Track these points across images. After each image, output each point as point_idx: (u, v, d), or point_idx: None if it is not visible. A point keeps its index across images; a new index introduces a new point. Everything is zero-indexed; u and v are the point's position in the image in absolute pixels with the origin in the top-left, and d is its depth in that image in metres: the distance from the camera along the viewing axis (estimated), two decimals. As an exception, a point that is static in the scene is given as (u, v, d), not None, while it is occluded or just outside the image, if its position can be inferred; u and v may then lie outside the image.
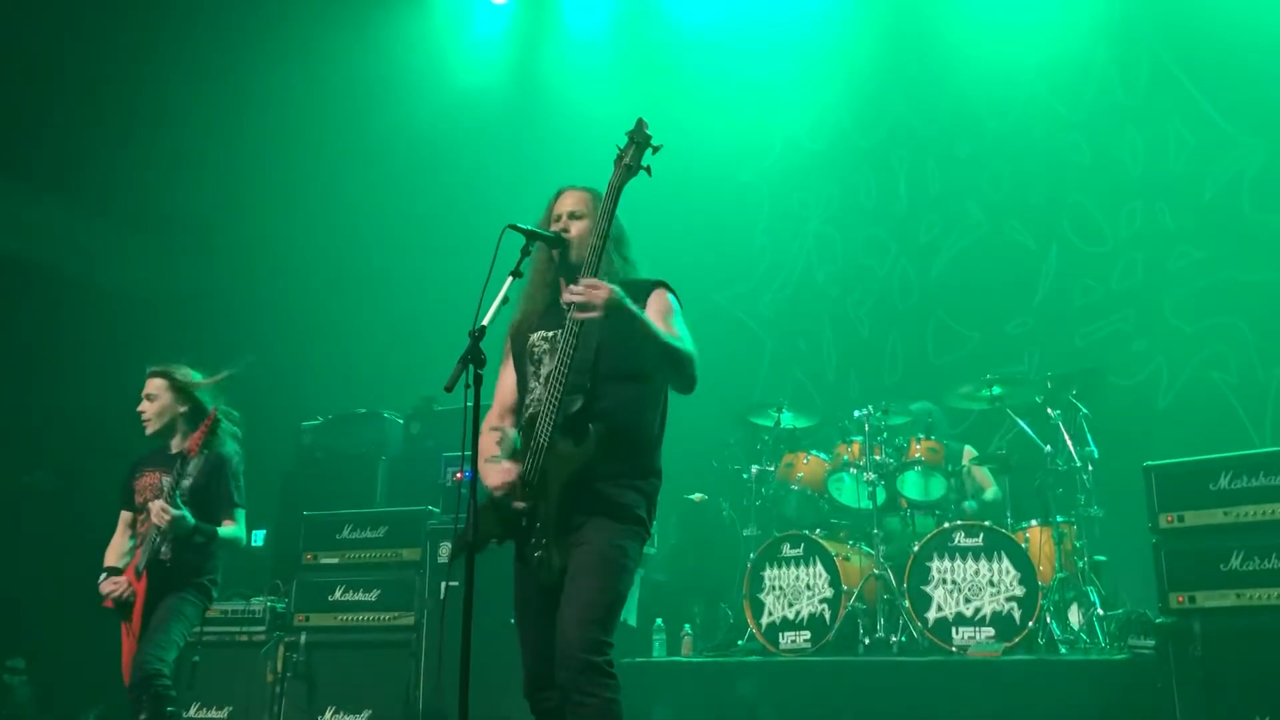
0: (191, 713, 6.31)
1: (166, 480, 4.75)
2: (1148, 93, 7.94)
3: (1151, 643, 5.17)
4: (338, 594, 6.44)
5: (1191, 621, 4.91)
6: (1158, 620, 5.11)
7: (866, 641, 6.09)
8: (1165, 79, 7.87)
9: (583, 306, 3.32)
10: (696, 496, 7.54)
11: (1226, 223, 7.51)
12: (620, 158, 3.53)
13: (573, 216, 3.65)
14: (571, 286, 3.39)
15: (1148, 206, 7.82)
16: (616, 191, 3.51)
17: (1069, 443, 6.36)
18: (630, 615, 6.47)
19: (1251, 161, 7.53)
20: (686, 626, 6.74)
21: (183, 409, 4.98)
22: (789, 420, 7.23)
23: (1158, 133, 7.85)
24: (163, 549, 4.73)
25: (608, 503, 3.42)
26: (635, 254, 3.69)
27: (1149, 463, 5.33)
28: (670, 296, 3.63)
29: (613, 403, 3.46)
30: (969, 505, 6.60)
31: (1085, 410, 6.53)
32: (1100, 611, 5.96)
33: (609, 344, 3.48)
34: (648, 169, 3.53)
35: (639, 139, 3.53)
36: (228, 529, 4.88)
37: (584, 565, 3.34)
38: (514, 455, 3.52)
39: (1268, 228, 7.36)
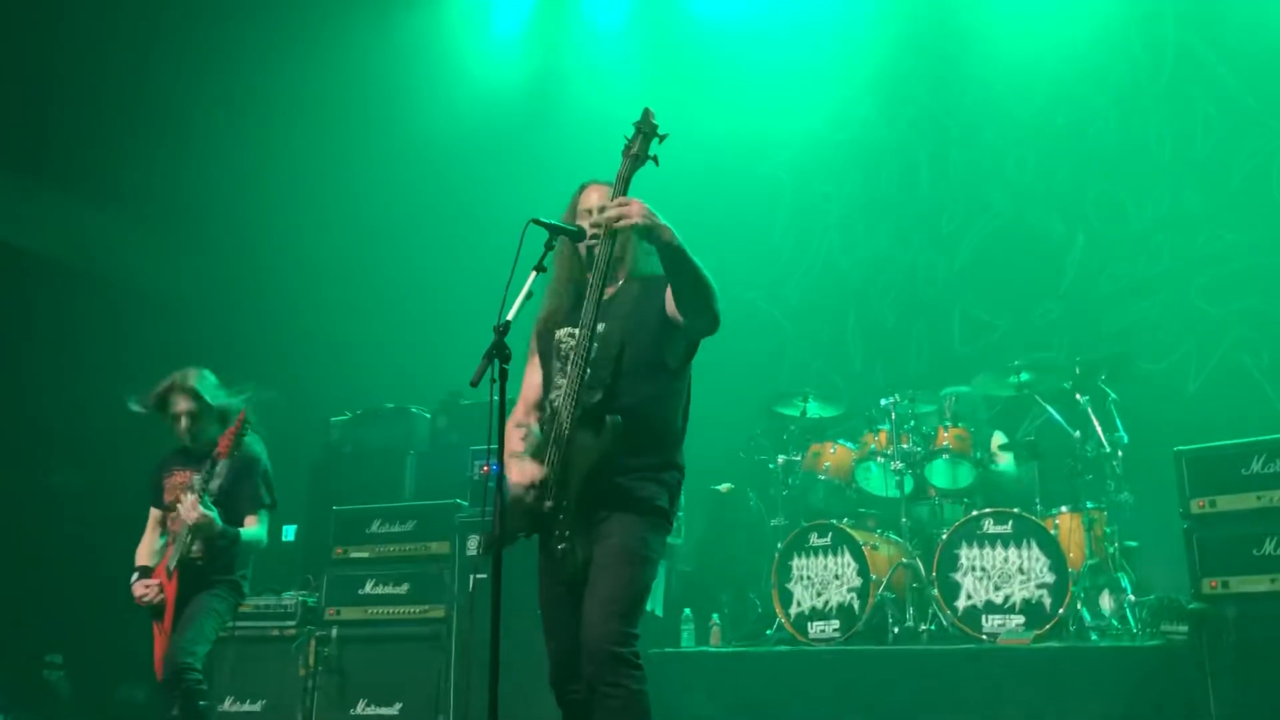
0: (225, 707, 6.37)
1: (197, 479, 4.79)
2: (1174, 75, 7.85)
3: (1184, 629, 5.14)
4: (368, 588, 6.49)
5: (1225, 607, 4.89)
6: (1190, 606, 5.08)
7: (896, 630, 6.08)
8: (1192, 60, 7.78)
9: (619, 219, 3.33)
10: (724, 487, 7.53)
11: (1256, 205, 7.43)
12: (628, 148, 3.54)
13: (600, 209, 3.65)
14: (605, 205, 3.42)
15: (1175, 190, 7.74)
16: (625, 182, 3.52)
17: (1098, 428, 6.31)
18: (656, 605, 6.48)
19: (1281, 144, 7.44)
20: (715, 616, 6.75)
21: (215, 415, 5.01)
22: (815, 410, 7.21)
23: (1185, 115, 7.77)
24: (194, 547, 4.77)
25: (629, 496, 3.44)
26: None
27: (1180, 447, 5.29)
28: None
29: (635, 397, 3.48)
30: (990, 486, 6.57)
31: (1114, 395, 6.49)
32: (1132, 598, 5.91)
33: (632, 339, 3.50)
34: (655, 158, 3.53)
35: (645, 129, 3.54)
36: (250, 529, 4.91)
37: (607, 558, 3.37)
38: (537, 450, 3.54)
39: (1298, 209, 7.28)
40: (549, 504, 3.42)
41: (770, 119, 8.98)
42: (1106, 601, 6.00)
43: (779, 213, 9.02)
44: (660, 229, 3.36)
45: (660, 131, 3.53)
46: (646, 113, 3.57)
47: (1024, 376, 6.58)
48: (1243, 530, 4.96)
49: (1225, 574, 4.96)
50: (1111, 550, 6.09)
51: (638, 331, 3.51)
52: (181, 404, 4.96)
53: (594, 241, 3.59)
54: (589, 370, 3.45)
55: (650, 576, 3.48)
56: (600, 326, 3.49)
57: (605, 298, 3.49)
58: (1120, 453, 6.32)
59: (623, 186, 3.50)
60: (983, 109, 8.40)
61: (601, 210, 3.56)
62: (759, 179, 8.98)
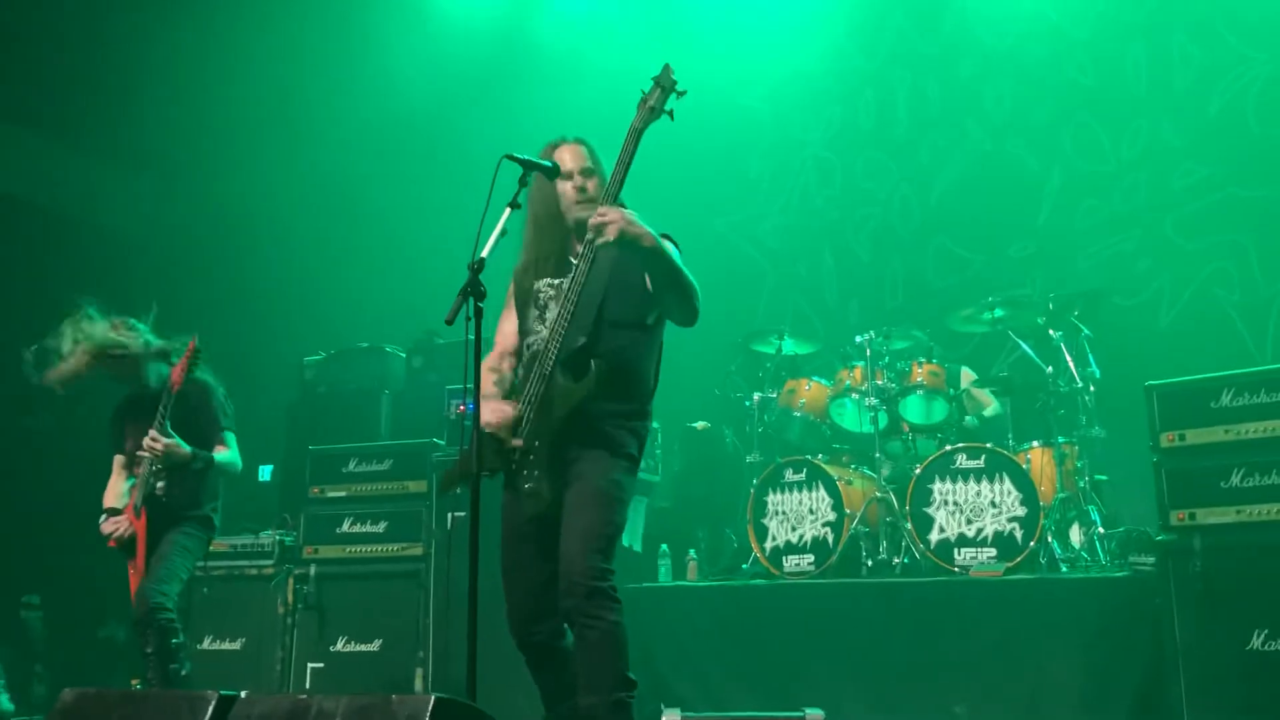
0: (204, 645, 6.41)
1: (158, 413, 4.77)
2: (1152, 7, 7.82)
3: (1152, 560, 5.23)
4: (345, 526, 6.51)
5: (1191, 538, 4.95)
6: (1158, 538, 5.15)
7: (869, 564, 6.15)
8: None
9: (599, 231, 3.39)
10: (700, 424, 7.57)
11: (1231, 138, 7.44)
12: (644, 100, 3.59)
13: (584, 174, 3.70)
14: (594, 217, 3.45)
15: (1152, 124, 7.75)
16: (638, 134, 3.57)
17: (1071, 364, 6.37)
18: (635, 541, 6.53)
19: (1258, 75, 7.43)
20: (691, 552, 6.81)
21: (142, 352, 4.96)
22: (790, 347, 7.23)
23: (1162, 48, 7.74)
24: (158, 485, 4.78)
25: (603, 440, 3.55)
26: (630, 203, 3.69)
27: (1150, 382, 5.33)
28: (671, 245, 3.68)
29: (614, 347, 3.58)
30: (969, 420, 6.63)
31: (1087, 331, 6.54)
32: (1101, 530, 6.01)
33: (614, 291, 3.59)
34: (670, 113, 3.57)
35: (665, 84, 3.58)
36: (221, 454, 4.93)
37: (583, 498, 3.47)
38: (511, 394, 3.64)
39: (1273, 142, 7.29)
40: (517, 441, 3.48)
41: (747, 53, 8.89)
42: (1076, 534, 6.10)
43: (755, 147, 8.97)
44: (640, 237, 3.41)
45: (679, 88, 3.57)
46: (667, 68, 3.62)
47: (998, 312, 6.61)
48: (1210, 463, 5.01)
49: (1192, 506, 5.03)
50: (1082, 484, 6.17)
51: (618, 290, 3.60)
52: (107, 361, 4.91)
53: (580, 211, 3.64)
54: (573, 315, 3.52)
55: (623, 518, 3.58)
56: (584, 281, 3.55)
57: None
58: (1092, 388, 6.38)
59: (636, 137, 3.56)
60: (960, 42, 8.34)
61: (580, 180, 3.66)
62: (735, 114, 8.90)
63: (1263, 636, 4.73)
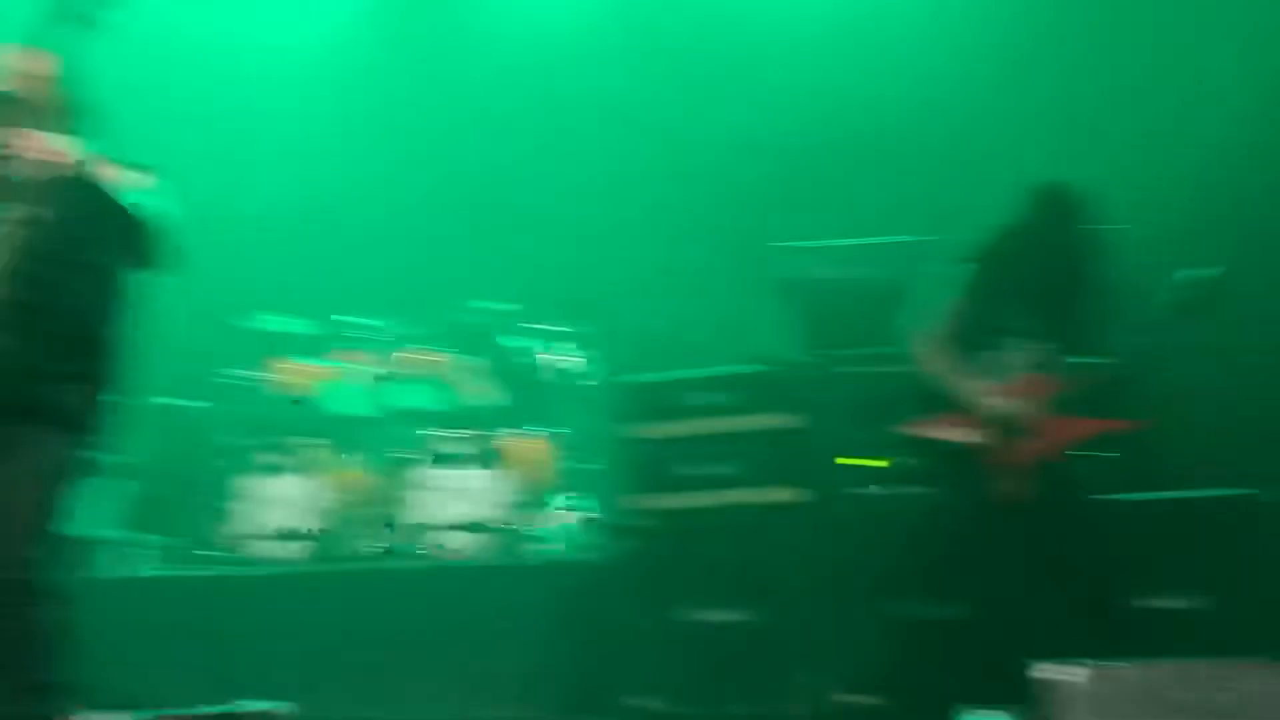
0: None
1: None
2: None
3: (618, 543, 5.67)
4: None
5: (643, 523, 5.47)
6: (623, 523, 5.61)
7: (351, 550, 6.13)
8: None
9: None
10: (177, 402, 7.08)
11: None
12: None
13: None
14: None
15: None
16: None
17: (558, 356, 6.74)
18: (93, 528, 6.00)
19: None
20: (157, 539, 6.43)
21: None
22: (280, 325, 6.97)
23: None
24: None
25: (46, 407, 3.20)
26: None
27: (619, 378, 5.79)
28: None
29: (57, 292, 3.19)
30: (458, 408, 6.78)
31: (578, 327, 6.93)
32: (576, 516, 6.39)
33: (57, 227, 3.17)
34: None
35: None
36: None
37: (14, 476, 3.14)
38: None
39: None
40: None
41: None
42: (553, 520, 6.43)
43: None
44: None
45: None
46: None
47: (493, 304, 6.83)
48: (665, 454, 5.50)
49: (648, 494, 5.51)
50: (561, 472, 6.52)
51: (54, 226, 3.19)
52: None
53: None
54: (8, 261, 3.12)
55: (62, 499, 3.24)
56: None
57: None
58: (577, 381, 6.79)
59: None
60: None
61: None
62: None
63: (699, 610, 5.28)
